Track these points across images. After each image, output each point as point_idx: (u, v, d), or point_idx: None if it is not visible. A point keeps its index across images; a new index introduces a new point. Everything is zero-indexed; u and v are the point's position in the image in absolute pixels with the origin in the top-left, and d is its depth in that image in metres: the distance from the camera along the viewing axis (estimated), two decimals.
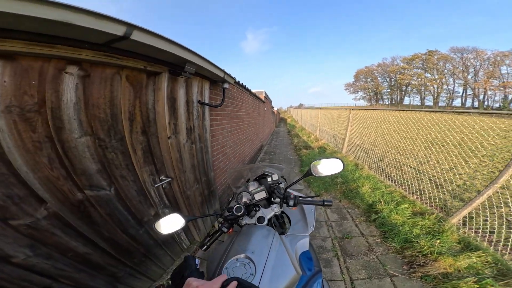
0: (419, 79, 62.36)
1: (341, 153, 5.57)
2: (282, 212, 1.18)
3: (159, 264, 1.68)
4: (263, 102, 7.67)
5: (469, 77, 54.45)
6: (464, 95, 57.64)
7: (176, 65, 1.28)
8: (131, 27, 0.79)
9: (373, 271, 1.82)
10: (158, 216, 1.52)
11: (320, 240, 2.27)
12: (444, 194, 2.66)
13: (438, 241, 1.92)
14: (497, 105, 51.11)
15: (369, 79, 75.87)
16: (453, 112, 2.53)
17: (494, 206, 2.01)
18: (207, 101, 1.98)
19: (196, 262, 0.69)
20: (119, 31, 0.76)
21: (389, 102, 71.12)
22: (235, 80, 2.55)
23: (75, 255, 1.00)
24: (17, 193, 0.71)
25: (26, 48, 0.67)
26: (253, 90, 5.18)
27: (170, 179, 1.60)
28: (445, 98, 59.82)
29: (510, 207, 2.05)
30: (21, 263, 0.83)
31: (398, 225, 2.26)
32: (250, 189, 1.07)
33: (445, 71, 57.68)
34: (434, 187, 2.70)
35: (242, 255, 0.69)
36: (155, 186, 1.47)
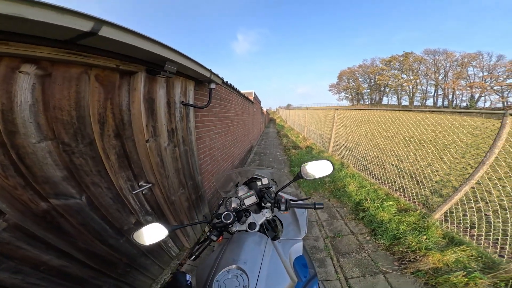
0: (396, 80, 66.63)
1: (328, 152, 5.69)
2: (274, 216, 1.14)
3: (146, 274, 1.58)
4: (253, 103, 7.63)
5: (440, 77, 58.91)
6: (435, 95, 62.13)
7: (155, 64, 1.21)
8: (100, 22, 0.72)
9: (366, 269, 1.84)
10: (140, 224, 1.42)
11: (312, 240, 2.26)
12: (425, 190, 2.78)
13: (425, 237, 1.98)
14: (464, 104, 55.61)
15: (351, 80, 79.76)
16: (428, 111, 2.66)
17: (472, 201, 2.12)
18: (191, 102, 1.88)
19: (187, 278, 0.64)
20: (86, 26, 0.69)
21: (369, 102, 75.39)
22: (223, 80, 2.49)
23: (48, 268, 0.90)
24: None
25: None
26: (242, 91, 5.15)
27: (151, 184, 1.51)
28: (419, 98, 64.30)
29: (486, 201, 2.16)
30: None
31: (385, 222, 2.31)
32: (240, 194, 1.03)
33: (419, 72, 62.05)
34: (415, 184, 2.81)
35: (234, 266, 0.65)
36: (134, 192, 1.38)
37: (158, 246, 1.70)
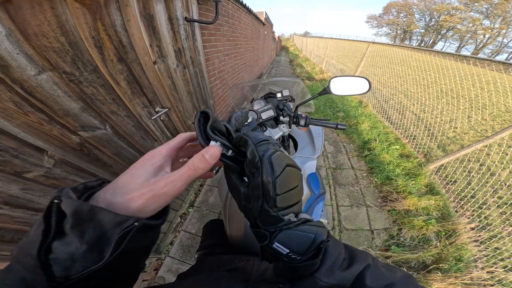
0: (471, 25, 50.18)
1: None
2: (290, 135, 1.14)
3: (177, 196, 1.95)
4: (263, 24, 6.64)
5: None
6: None
7: None
8: None
9: (355, 201, 2.09)
10: None
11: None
12: (433, 143, 2.77)
13: (413, 182, 2.16)
14: None
15: (402, 15, 61.76)
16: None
17: (470, 161, 2.13)
18: (195, 17, 1.61)
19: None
20: None
21: (417, 43, 60.15)
22: None
23: None
24: (8, 145, 0.64)
25: None
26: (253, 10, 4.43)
27: (167, 109, 1.51)
28: (489, 51, 49.46)
29: (481, 164, 2.16)
30: None
31: (384, 164, 2.46)
32: (256, 108, 0.95)
33: None
34: (427, 135, 2.77)
35: None
36: (153, 118, 1.40)
37: None
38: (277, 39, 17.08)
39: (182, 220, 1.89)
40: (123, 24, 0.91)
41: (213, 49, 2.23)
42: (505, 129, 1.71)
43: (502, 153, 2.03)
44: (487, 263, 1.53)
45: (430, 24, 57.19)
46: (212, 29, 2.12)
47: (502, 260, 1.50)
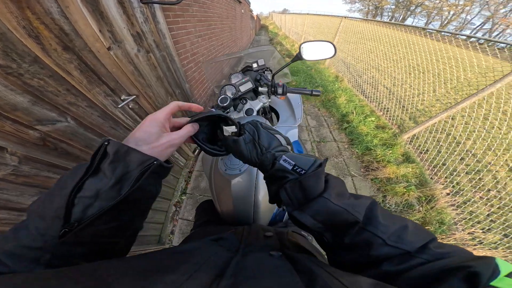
0: (438, 1, 51.78)
1: (324, 64, 5.42)
2: (271, 107, 1.17)
3: (166, 184, 1.83)
4: (240, 2, 6.30)
5: (502, 11, 47.33)
6: (478, 28, 51.33)
7: None
8: None
9: (340, 171, 2.20)
10: None
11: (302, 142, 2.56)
12: (405, 114, 2.93)
13: (390, 151, 2.28)
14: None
15: None
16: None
17: (438, 131, 2.27)
18: None
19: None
20: None
21: (388, 19, 60.06)
22: None
23: None
24: None
25: None
26: None
27: (134, 96, 1.44)
28: (453, 28, 51.23)
29: (448, 134, 2.32)
30: None
31: (363, 135, 2.59)
32: (234, 81, 0.95)
33: None
34: (399, 108, 2.91)
35: None
36: (119, 107, 1.35)
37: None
38: (255, 18, 16.30)
39: (178, 209, 1.90)
40: (61, 11, 0.82)
41: (182, 31, 2.09)
42: (464, 100, 1.83)
43: (465, 124, 2.17)
44: (466, 226, 1.65)
45: (400, 0, 57.55)
46: (178, 10, 1.96)
47: (478, 222, 1.63)
